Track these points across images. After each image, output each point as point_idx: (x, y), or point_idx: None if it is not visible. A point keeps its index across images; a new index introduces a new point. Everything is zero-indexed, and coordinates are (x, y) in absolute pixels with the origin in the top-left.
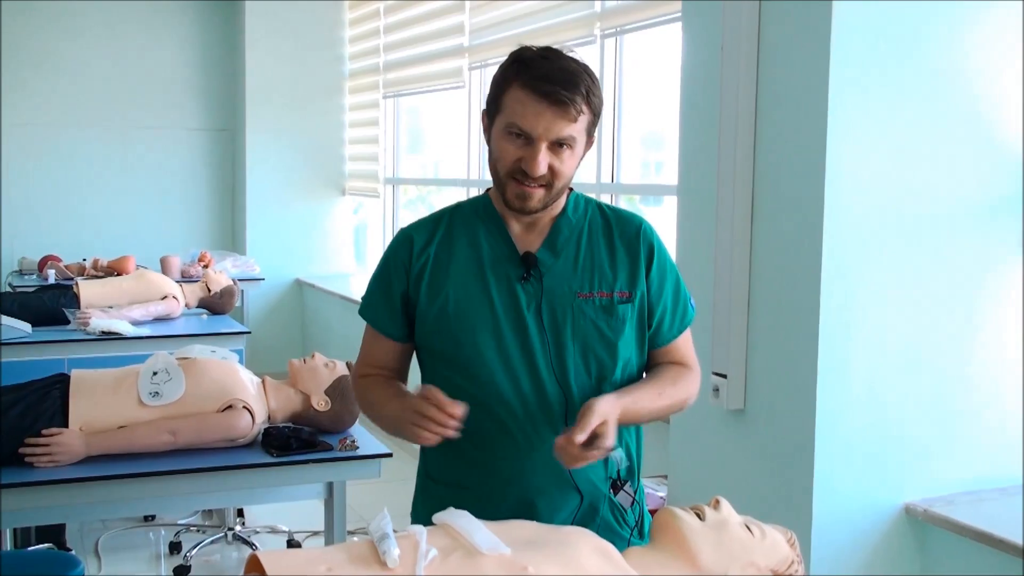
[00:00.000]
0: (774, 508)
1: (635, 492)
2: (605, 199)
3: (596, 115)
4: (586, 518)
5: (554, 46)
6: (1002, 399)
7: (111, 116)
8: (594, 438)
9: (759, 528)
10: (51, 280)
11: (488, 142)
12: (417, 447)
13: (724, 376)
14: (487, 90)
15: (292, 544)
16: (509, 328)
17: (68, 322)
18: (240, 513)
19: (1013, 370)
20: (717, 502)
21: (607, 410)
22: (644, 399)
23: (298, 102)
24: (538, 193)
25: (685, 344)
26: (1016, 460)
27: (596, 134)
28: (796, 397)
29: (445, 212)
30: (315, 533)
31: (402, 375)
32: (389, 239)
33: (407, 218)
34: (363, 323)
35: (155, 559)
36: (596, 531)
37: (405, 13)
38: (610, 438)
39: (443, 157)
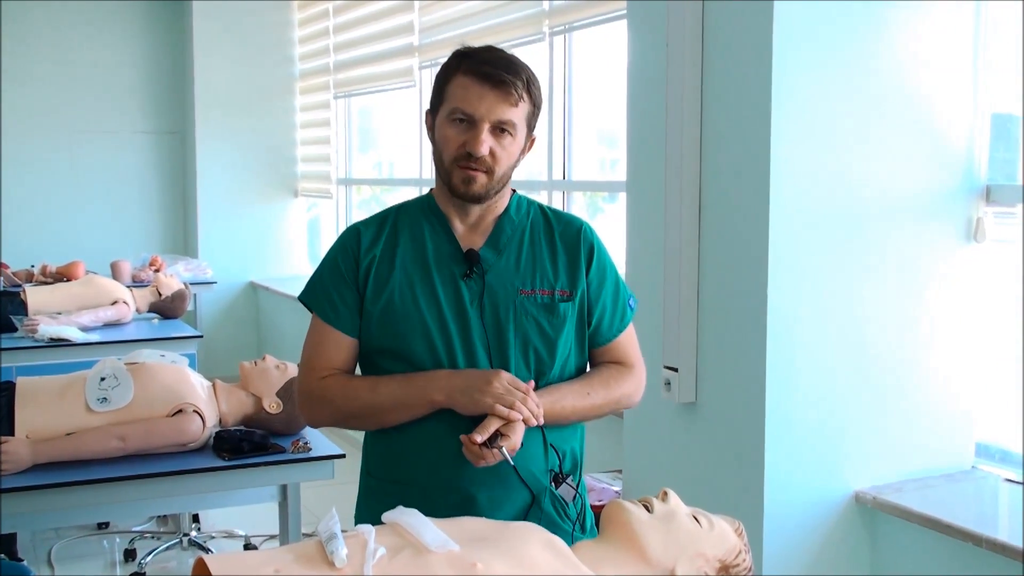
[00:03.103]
0: (727, 499)
1: (577, 485)
2: (556, 196)
3: (536, 107)
4: (528, 512)
5: (506, 51)
6: (948, 388)
7: (57, 120)
8: (497, 437)
9: (707, 519)
10: None
11: (432, 140)
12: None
13: (675, 370)
14: None
15: (249, 548)
16: (453, 324)
17: (15, 329)
18: (195, 519)
19: (959, 359)
20: (665, 494)
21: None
22: (567, 399)
23: (248, 104)
24: (481, 178)
25: (626, 343)
26: (961, 447)
27: (545, 132)
28: (746, 389)
29: (391, 211)
30: (271, 536)
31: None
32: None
33: (361, 218)
34: None
35: (110, 567)
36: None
37: (354, 13)
38: (515, 438)
39: (396, 157)
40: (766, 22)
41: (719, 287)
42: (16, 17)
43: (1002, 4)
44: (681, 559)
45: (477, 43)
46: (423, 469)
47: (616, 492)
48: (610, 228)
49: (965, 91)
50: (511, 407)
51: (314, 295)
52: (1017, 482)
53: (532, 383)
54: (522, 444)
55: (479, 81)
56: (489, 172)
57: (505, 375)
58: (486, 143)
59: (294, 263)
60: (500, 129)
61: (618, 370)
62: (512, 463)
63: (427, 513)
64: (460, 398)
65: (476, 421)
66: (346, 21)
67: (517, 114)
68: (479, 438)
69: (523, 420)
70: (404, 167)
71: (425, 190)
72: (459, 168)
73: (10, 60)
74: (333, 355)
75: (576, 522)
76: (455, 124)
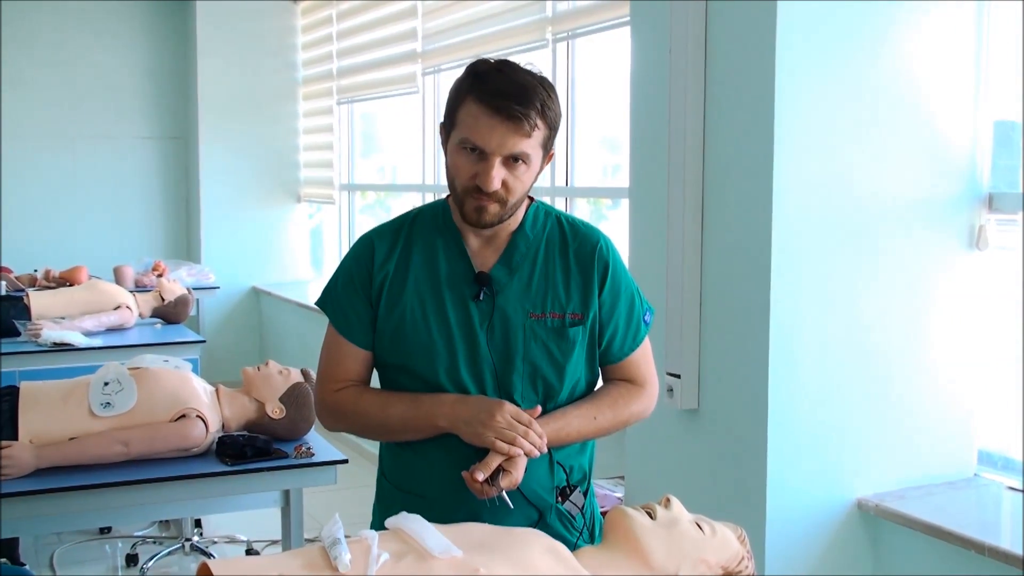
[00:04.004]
0: (729, 506)
1: (585, 495)
2: (560, 202)
3: (553, 128)
4: (536, 527)
5: (510, 58)
6: (950, 395)
7: (60, 125)
8: (500, 472)
9: (709, 525)
10: (1, 291)
11: (445, 154)
12: (376, 452)
13: (678, 376)
14: (441, 95)
15: (251, 553)
16: (462, 345)
17: (19, 334)
18: (198, 523)
19: (961, 366)
20: (668, 500)
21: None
22: (573, 424)
23: (251, 109)
24: (493, 208)
25: (639, 360)
26: (963, 455)
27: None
28: (748, 396)
29: (406, 220)
30: (274, 542)
31: (369, 384)
32: (346, 245)
33: (364, 223)
34: (320, 331)
35: (112, 572)
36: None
37: (358, 19)
38: (517, 473)
39: (399, 162)
40: (769, 29)
41: (721, 294)
42: (18, 21)
43: (1004, 12)
44: (684, 565)
45: (483, 52)
46: (430, 483)
47: (619, 498)
48: (613, 234)
49: (967, 98)
50: (512, 442)
51: (329, 303)
52: (1019, 490)
53: (538, 409)
54: (527, 463)
55: (489, 113)
56: (502, 202)
57: (509, 408)
58: (497, 177)
59: (297, 268)
60: (513, 159)
61: (628, 389)
62: (511, 505)
63: (432, 522)
64: (464, 428)
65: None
66: (350, 27)
67: (531, 144)
68: (480, 476)
69: (525, 453)
70: (407, 172)
71: (428, 195)
72: (471, 198)
73: (12, 64)
74: (348, 367)
75: (584, 530)
76: (467, 153)
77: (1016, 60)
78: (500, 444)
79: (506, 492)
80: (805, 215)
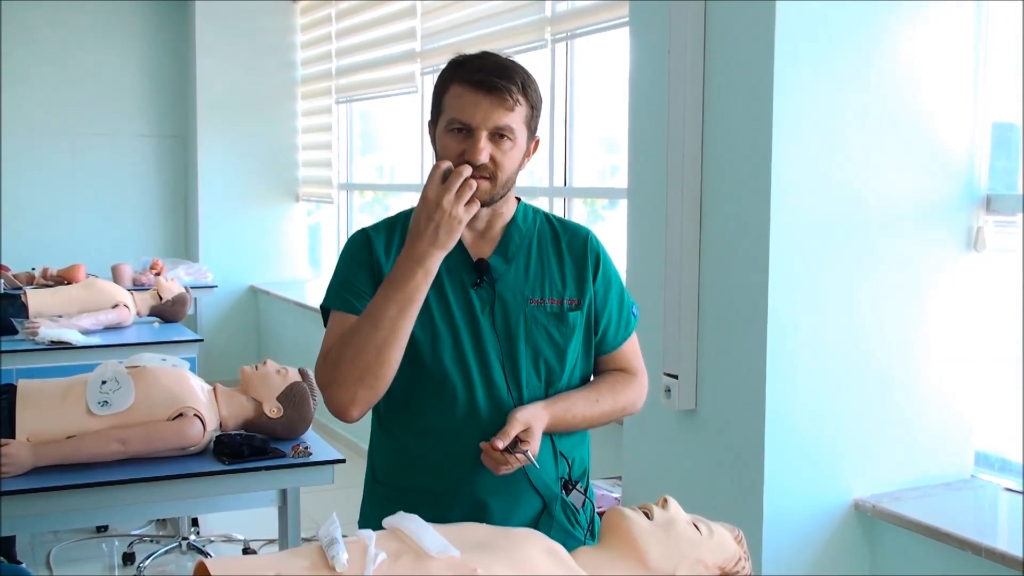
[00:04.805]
0: (726, 506)
1: (585, 491)
2: (557, 203)
3: (535, 108)
4: (540, 520)
5: (510, 58)
6: (947, 396)
7: (59, 123)
8: (517, 443)
9: (707, 526)
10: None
11: (435, 150)
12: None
13: (675, 377)
14: None
15: (248, 552)
16: (466, 332)
17: (16, 332)
18: (195, 522)
19: (958, 368)
20: (665, 501)
21: (529, 418)
22: (578, 406)
23: (250, 108)
24: (484, 185)
25: (630, 351)
26: (960, 456)
27: (546, 139)
28: (746, 397)
29: (399, 218)
30: (270, 541)
31: None
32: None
33: (363, 222)
34: (319, 330)
35: (109, 570)
36: (550, 533)
37: (357, 18)
38: (534, 444)
39: (398, 161)
40: (768, 29)
41: (719, 294)
42: (18, 20)
43: (1003, 13)
44: (681, 566)
45: (476, 50)
46: (436, 476)
47: (616, 499)
48: (610, 235)
49: (966, 100)
50: (458, 191)
51: (332, 295)
52: (1016, 491)
53: (467, 170)
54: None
55: (473, 89)
56: (492, 178)
57: (424, 195)
58: (485, 151)
59: (295, 268)
60: (499, 135)
61: (624, 377)
62: (537, 465)
63: (437, 520)
64: (432, 247)
65: (492, 430)
66: (349, 26)
67: (515, 119)
68: (501, 444)
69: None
70: (406, 171)
71: None
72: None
73: (12, 62)
74: None
75: (588, 530)
76: (454, 134)
77: (1015, 61)
78: (457, 207)
79: (517, 472)
80: (803, 216)
